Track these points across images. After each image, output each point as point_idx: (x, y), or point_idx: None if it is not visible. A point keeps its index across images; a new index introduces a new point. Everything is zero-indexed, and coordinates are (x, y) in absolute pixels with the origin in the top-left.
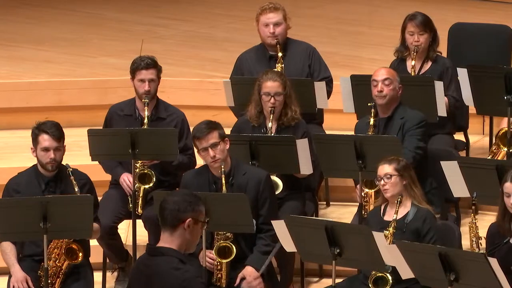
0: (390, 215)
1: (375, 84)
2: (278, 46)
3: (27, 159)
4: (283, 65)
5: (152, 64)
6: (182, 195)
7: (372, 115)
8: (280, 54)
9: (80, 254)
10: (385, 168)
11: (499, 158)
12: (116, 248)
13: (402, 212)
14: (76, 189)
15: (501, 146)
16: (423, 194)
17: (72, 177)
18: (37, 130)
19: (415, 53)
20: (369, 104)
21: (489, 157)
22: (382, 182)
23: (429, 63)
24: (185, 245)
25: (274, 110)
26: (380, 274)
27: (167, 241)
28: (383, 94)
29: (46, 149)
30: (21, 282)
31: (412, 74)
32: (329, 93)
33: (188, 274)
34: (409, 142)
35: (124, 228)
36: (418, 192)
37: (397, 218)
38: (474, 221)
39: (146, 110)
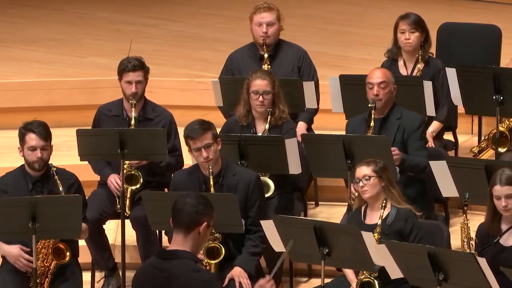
0: (371, 219)
1: (370, 87)
2: (264, 46)
3: (17, 159)
4: (269, 66)
5: (139, 66)
6: (196, 197)
7: (373, 116)
8: (266, 55)
9: (68, 254)
10: (363, 170)
11: (485, 156)
12: (103, 248)
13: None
14: (61, 189)
15: (493, 147)
16: (401, 194)
17: (56, 177)
18: (24, 130)
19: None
20: (369, 105)
21: (475, 151)
22: (361, 184)
23: (422, 64)
24: (196, 247)
25: (271, 112)
26: (366, 280)
27: (180, 243)
28: (379, 98)
29: (33, 148)
30: (21, 256)
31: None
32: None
33: (207, 275)
34: (419, 149)
35: (113, 229)
36: (396, 192)
37: (378, 221)
38: (466, 221)
39: (133, 111)
